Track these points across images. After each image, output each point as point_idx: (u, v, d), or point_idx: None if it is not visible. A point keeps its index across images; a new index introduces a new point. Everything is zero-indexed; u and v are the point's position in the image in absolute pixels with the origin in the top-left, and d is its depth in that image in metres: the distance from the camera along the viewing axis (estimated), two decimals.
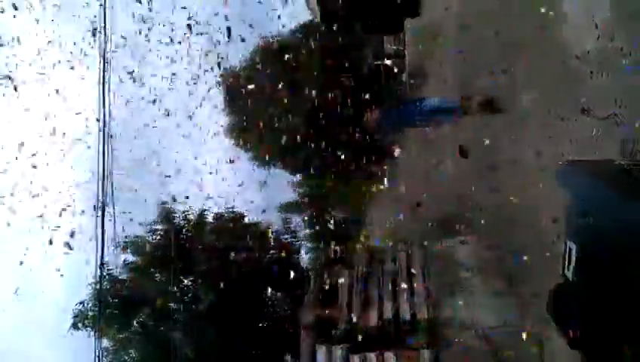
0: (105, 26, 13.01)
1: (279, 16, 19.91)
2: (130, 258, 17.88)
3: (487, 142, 11.61)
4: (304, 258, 20.81)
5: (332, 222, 20.05)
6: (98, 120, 12.42)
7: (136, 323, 16.16)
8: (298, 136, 18.50)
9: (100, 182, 14.22)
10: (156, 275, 17.24)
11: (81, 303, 17.27)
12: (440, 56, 15.72)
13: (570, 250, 5.25)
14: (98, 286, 16.37)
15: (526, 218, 9.84)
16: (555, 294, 5.76)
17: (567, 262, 5.36)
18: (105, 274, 16.82)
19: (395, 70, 19.11)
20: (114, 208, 14.55)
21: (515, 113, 10.96)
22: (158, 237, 17.97)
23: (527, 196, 9.74)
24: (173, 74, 18.06)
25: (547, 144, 9.33)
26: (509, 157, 10.79)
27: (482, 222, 11.47)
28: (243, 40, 18.67)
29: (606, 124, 7.61)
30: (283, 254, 18.92)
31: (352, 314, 12.04)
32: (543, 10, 9.67)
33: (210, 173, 18.15)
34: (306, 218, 22.69)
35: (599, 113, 7.72)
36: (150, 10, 16.54)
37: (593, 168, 5.56)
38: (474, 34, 13.34)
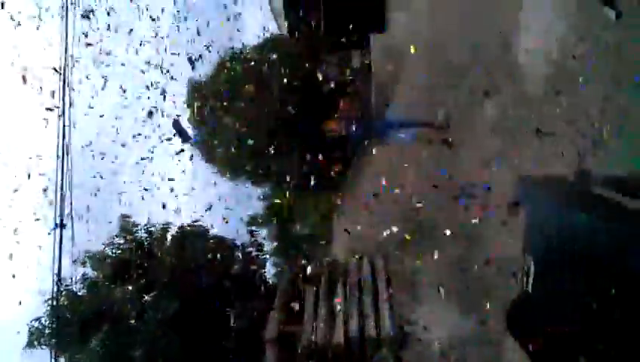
0: None
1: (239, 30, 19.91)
2: (90, 273, 17.38)
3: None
4: (269, 272, 20.67)
5: (296, 236, 20.03)
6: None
7: (95, 340, 15.66)
8: (260, 150, 18.54)
9: (59, 196, 13.93)
10: (116, 291, 16.77)
11: (37, 320, 16.66)
12: (405, 74, 16.01)
13: (529, 264, 5.41)
14: (54, 303, 15.87)
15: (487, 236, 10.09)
16: (515, 308, 5.91)
17: (526, 276, 5.52)
18: (62, 289, 16.35)
19: (360, 85, 19.33)
20: (72, 222, 14.25)
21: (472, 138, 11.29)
22: (119, 252, 17.55)
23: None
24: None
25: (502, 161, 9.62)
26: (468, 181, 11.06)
27: (444, 238, 11.68)
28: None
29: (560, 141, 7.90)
30: (248, 268, 18.77)
31: (317, 330, 12.00)
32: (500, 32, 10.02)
33: (172, 189, 17.89)
34: (270, 232, 22.59)
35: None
36: None
37: (547, 183, 5.77)
38: (438, 54, 13.66)
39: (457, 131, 12.41)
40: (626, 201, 4.36)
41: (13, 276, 14.98)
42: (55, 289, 15.19)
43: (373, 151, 15.99)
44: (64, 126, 12.19)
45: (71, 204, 14.00)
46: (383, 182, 14.63)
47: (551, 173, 7.19)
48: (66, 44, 13.68)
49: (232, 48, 20.76)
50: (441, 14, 13.69)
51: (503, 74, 10.10)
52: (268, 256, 21.16)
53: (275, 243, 22.43)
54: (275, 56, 19.34)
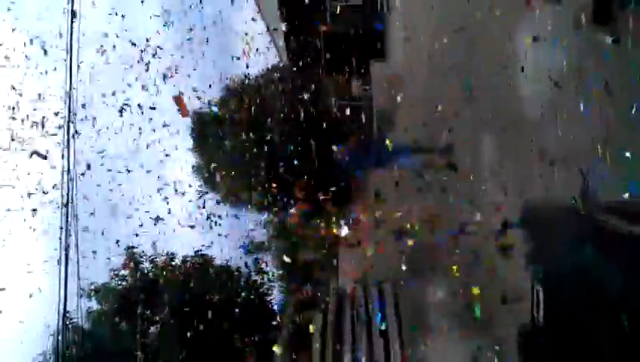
0: None
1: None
2: (95, 306, 17.30)
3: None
4: (275, 301, 20.49)
5: (302, 263, 19.96)
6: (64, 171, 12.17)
7: None
8: (264, 177, 18.61)
9: (63, 228, 13.94)
10: (121, 324, 16.67)
11: (42, 354, 16.54)
12: (406, 102, 16.10)
13: (538, 293, 5.39)
14: (60, 337, 15.73)
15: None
16: (525, 337, 5.85)
17: (535, 306, 5.49)
18: (68, 323, 16.22)
19: (362, 112, 19.45)
20: (78, 255, 14.22)
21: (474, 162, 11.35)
22: (125, 284, 17.48)
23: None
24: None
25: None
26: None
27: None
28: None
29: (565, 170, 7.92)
30: (252, 298, 18.66)
31: (326, 358, 11.92)
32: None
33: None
34: (275, 260, 22.45)
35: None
36: None
37: (549, 209, 5.77)
38: (438, 83, 13.76)
39: (461, 155, 12.44)
40: (627, 228, 4.37)
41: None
42: (61, 323, 15.06)
43: (376, 177, 16.05)
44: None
45: (76, 239, 14.02)
46: (387, 209, 14.64)
47: (554, 198, 7.21)
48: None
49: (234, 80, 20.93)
50: (440, 45, 13.82)
51: (503, 101, 10.18)
52: (273, 284, 21.02)
53: (280, 271, 22.29)
54: (275, 87, 19.54)
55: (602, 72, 7.38)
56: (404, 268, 12.89)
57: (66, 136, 11.99)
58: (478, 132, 11.67)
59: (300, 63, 20.47)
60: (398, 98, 16.41)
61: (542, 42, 8.61)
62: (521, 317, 6.27)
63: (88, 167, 15.55)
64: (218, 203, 21.47)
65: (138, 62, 17.22)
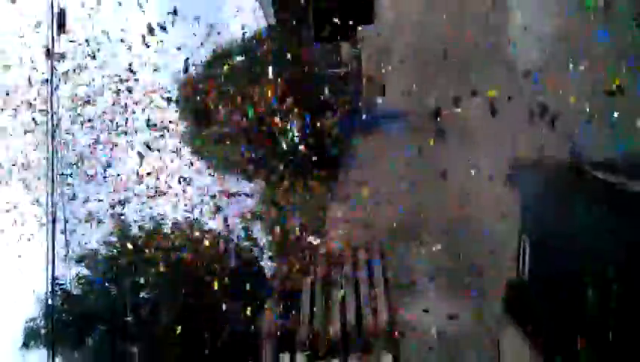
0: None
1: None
2: (84, 271, 17.31)
3: None
4: (265, 266, 20.61)
5: (291, 229, 20.00)
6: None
7: (92, 340, 15.64)
8: (251, 144, 18.49)
9: (50, 193, 13.91)
10: (111, 289, 16.75)
11: (31, 320, 16.60)
12: (394, 66, 16.00)
13: (525, 247, 5.49)
14: (49, 302, 15.79)
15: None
16: (511, 290, 5.97)
17: (522, 260, 5.60)
18: (57, 289, 16.28)
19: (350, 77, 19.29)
20: (65, 220, 14.23)
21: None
22: (113, 249, 17.47)
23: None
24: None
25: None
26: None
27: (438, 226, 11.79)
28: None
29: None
30: (243, 263, 18.73)
31: (315, 321, 12.08)
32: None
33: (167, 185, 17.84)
34: (265, 225, 22.50)
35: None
36: None
37: (542, 167, 5.83)
38: (427, 48, 13.67)
39: (449, 120, 12.47)
40: (620, 181, 4.41)
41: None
42: (49, 289, 15.10)
43: (365, 142, 16.05)
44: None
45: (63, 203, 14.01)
46: (376, 172, 14.69)
47: (544, 156, 7.27)
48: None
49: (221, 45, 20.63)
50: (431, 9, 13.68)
51: (495, 61, 10.16)
52: (263, 251, 21.15)
53: (270, 238, 22.37)
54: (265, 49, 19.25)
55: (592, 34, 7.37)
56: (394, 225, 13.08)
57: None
58: (466, 95, 11.68)
59: (288, 29, 20.17)
60: (387, 63, 16.30)
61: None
62: (505, 272, 6.41)
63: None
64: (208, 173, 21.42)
65: None
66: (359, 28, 19.49)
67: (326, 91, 18.18)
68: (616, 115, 6.60)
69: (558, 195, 4.65)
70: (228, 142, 19.05)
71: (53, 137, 13.79)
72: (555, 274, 4.72)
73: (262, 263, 20.16)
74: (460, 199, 11.30)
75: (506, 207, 8.53)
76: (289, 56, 18.97)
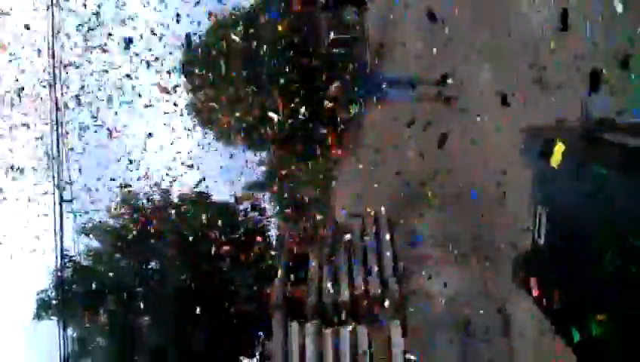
0: None
1: None
2: (94, 244, 17.42)
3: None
4: (272, 236, 20.68)
5: (298, 198, 19.98)
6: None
7: (103, 311, 15.83)
8: (258, 111, 18.28)
9: (56, 167, 13.90)
10: (121, 261, 16.86)
11: (43, 291, 16.81)
12: (401, 32, 15.66)
13: (539, 215, 5.38)
14: (60, 274, 15.95)
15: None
16: (524, 258, 5.90)
17: (537, 228, 5.49)
18: (67, 261, 16.42)
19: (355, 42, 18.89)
20: (72, 195, 14.24)
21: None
22: (122, 221, 17.52)
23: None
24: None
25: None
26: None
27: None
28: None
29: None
30: (252, 233, 18.78)
31: (323, 291, 12.10)
32: None
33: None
34: (271, 195, 22.49)
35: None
36: None
37: (554, 133, 5.68)
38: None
39: (458, 88, 12.22)
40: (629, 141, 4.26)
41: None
42: (59, 261, 15.23)
43: (372, 109, 15.84)
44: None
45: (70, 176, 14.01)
46: (383, 140, 14.52)
47: (556, 121, 7.08)
48: None
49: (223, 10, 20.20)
50: None
51: (503, 26, 9.86)
52: (271, 221, 21.18)
53: (277, 207, 22.39)
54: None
55: None
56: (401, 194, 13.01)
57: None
58: (476, 61, 11.42)
59: None
60: (394, 29, 15.97)
61: None
62: (517, 239, 6.33)
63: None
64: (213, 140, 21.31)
65: None
66: None
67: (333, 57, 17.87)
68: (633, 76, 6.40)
69: (573, 162, 4.51)
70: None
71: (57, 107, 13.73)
72: (572, 241, 4.59)
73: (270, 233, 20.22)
74: (467, 167, 11.16)
75: (515, 173, 8.42)
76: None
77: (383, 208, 13.95)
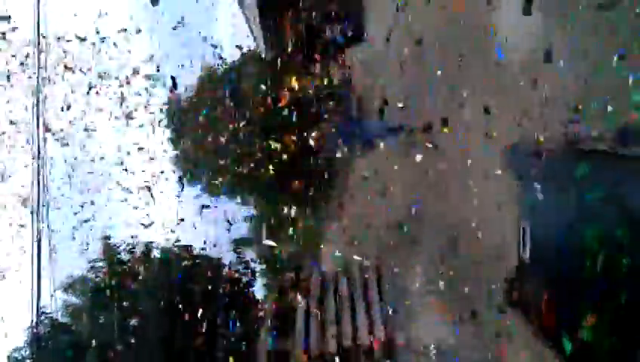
0: None
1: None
2: (73, 299, 16.79)
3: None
4: (257, 289, 20.17)
5: (283, 251, 19.69)
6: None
7: None
8: (244, 163, 18.34)
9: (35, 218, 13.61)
10: (100, 317, 16.20)
11: (17, 350, 16.03)
12: (385, 83, 15.96)
13: (523, 230, 5.33)
14: (35, 331, 15.28)
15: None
16: (513, 280, 5.77)
17: (522, 243, 5.43)
18: (43, 317, 15.80)
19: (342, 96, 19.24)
20: (50, 245, 13.88)
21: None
22: (102, 276, 16.98)
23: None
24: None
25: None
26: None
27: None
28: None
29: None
30: (236, 288, 18.31)
31: (310, 341, 11.69)
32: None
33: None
34: (257, 249, 22.15)
35: None
36: None
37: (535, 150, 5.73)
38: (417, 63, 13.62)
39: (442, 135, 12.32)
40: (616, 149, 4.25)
41: None
42: (35, 318, 14.67)
43: (359, 157, 15.90)
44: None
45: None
46: (370, 187, 14.47)
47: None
48: None
49: (210, 66, 20.65)
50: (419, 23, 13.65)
51: (482, 68, 10.07)
52: (256, 274, 20.70)
53: (264, 262, 21.99)
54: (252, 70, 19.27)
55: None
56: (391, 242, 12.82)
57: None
58: (458, 107, 11.56)
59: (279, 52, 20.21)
60: (377, 80, 16.27)
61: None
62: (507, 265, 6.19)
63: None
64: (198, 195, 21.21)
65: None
66: (350, 47, 19.65)
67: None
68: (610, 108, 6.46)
69: (556, 178, 4.50)
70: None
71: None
72: (556, 255, 4.50)
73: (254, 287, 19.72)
74: (458, 207, 11.04)
75: (505, 212, 8.34)
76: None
77: (369, 257, 13.74)
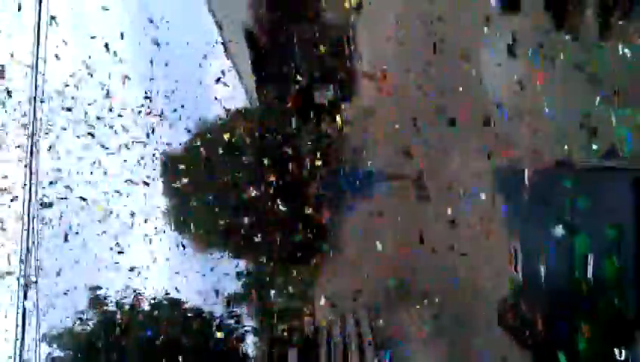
0: None
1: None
2: (56, 352, 16.22)
3: None
4: (249, 344, 19.61)
5: (277, 303, 19.31)
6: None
7: None
8: (237, 219, 18.27)
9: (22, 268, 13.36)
10: None
11: None
12: (376, 135, 16.24)
13: (515, 251, 5.40)
14: None
15: None
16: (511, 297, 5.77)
17: (515, 262, 5.49)
18: None
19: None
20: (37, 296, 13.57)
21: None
22: (88, 328, 16.49)
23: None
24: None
25: None
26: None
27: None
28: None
29: None
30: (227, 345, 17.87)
31: None
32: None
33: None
34: (248, 303, 21.70)
35: None
36: None
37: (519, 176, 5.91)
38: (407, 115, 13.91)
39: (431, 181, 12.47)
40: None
41: None
42: None
43: (352, 208, 15.94)
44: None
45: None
46: (364, 238, 14.43)
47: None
48: None
49: (202, 121, 20.90)
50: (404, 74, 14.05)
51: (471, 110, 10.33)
52: (248, 327, 20.17)
53: (256, 320, 21.48)
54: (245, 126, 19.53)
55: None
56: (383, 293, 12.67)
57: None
58: (447, 154, 11.76)
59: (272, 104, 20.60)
60: (369, 132, 16.57)
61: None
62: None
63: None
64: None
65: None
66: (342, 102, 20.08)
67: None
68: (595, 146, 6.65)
69: (543, 194, 4.63)
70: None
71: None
72: (547, 270, 4.55)
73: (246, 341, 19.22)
74: (447, 257, 11.00)
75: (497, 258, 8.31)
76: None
77: (363, 308, 13.58)
